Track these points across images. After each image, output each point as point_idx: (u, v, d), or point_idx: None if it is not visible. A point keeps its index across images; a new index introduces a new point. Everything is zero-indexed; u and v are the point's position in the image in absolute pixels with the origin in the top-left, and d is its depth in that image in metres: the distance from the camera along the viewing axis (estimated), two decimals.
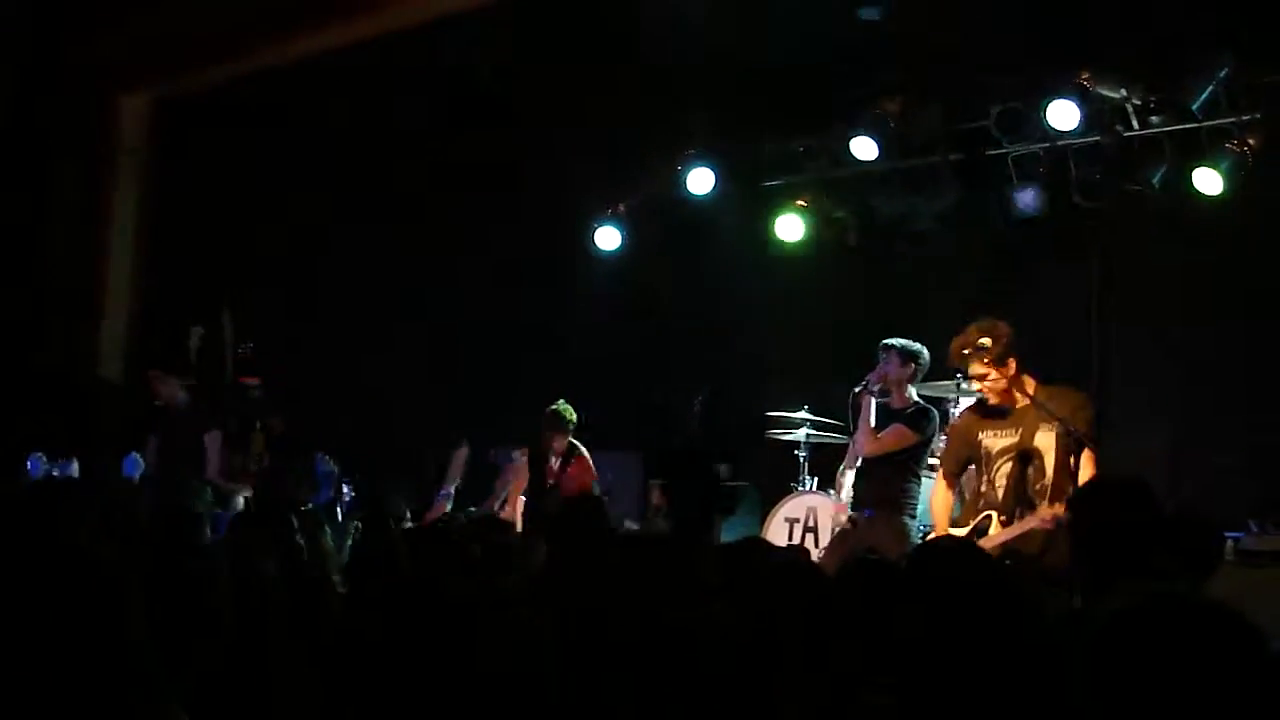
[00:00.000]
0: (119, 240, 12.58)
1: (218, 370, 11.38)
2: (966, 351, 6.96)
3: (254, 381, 11.36)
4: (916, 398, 8.37)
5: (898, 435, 8.16)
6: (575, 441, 10.32)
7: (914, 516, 8.20)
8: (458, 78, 11.19)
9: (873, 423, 8.24)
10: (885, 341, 8.39)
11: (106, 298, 12.48)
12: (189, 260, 12.04)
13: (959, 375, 9.00)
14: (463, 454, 10.99)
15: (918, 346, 8.36)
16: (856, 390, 8.34)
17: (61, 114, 12.36)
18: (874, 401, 8.25)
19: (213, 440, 10.17)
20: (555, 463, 10.30)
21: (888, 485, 8.19)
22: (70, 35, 11.84)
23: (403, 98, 11.64)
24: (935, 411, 8.38)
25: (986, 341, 6.92)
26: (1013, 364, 6.96)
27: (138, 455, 9.91)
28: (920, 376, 8.39)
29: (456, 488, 11.06)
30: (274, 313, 11.89)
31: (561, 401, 10.29)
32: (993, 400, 7.02)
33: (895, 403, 8.31)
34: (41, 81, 12.09)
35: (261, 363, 11.38)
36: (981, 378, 6.96)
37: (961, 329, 7.10)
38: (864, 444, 8.24)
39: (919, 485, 8.30)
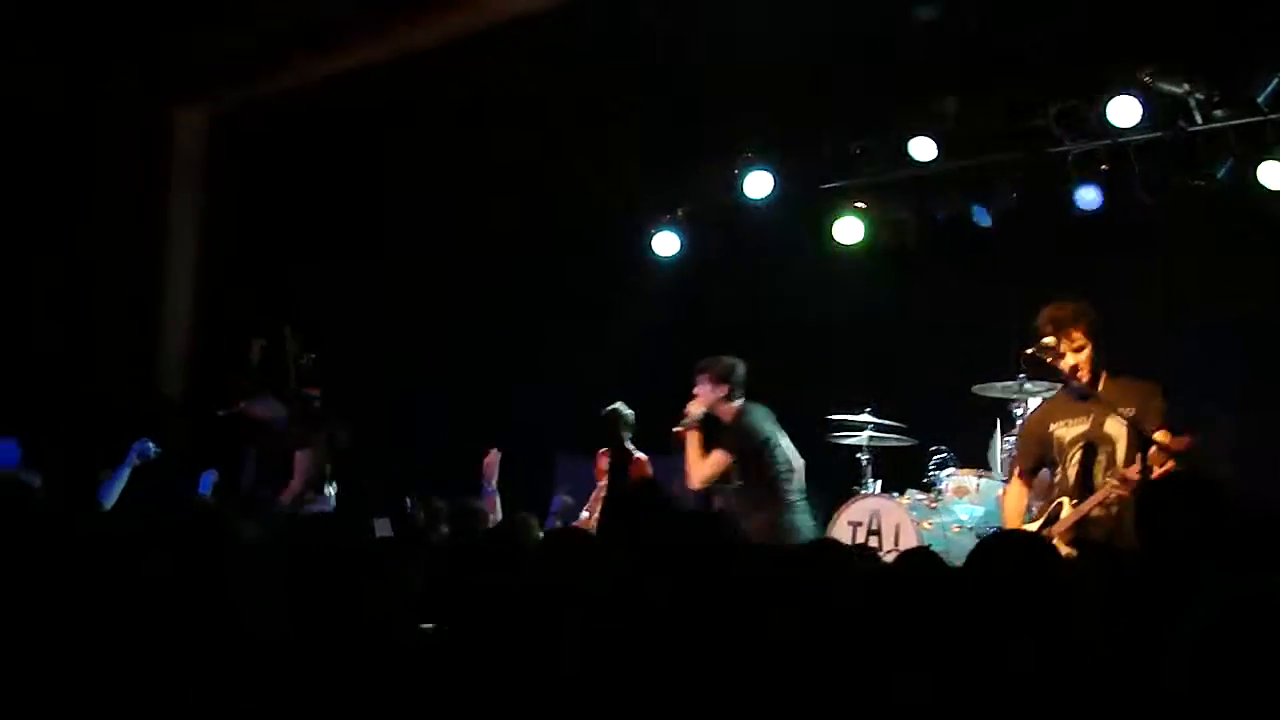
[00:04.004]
0: (178, 254, 12.66)
1: (280, 382, 11.42)
2: (1065, 316, 6.86)
3: (315, 392, 11.42)
4: (737, 406, 8.54)
5: (715, 461, 8.38)
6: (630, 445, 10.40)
7: (797, 512, 8.34)
8: (515, 87, 11.19)
9: (698, 453, 8.44)
10: (698, 364, 8.63)
11: (166, 312, 12.56)
12: (250, 273, 12.10)
13: (1021, 376, 8.94)
14: (493, 457, 10.95)
15: (728, 362, 8.56)
16: (675, 430, 8.59)
17: (119, 128, 12.44)
18: (695, 434, 8.43)
19: (303, 458, 10.23)
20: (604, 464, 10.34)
21: (748, 494, 8.35)
22: (126, 49, 11.92)
23: (457, 109, 11.66)
24: (759, 409, 8.53)
25: (1084, 309, 6.86)
26: (1097, 346, 6.89)
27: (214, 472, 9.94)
28: (739, 387, 8.54)
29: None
30: (336, 323, 11.93)
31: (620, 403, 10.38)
32: (1082, 375, 6.88)
33: (725, 417, 8.51)
34: (98, 96, 12.18)
35: (323, 373, 11.43)
36: (1079, 349, 6.85)
37: (1054, 302, 7.00)
38: (690, 479, 8.41)
39: (787, 476, 8.44)
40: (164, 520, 6.67)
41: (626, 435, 10.32)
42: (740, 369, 8.57)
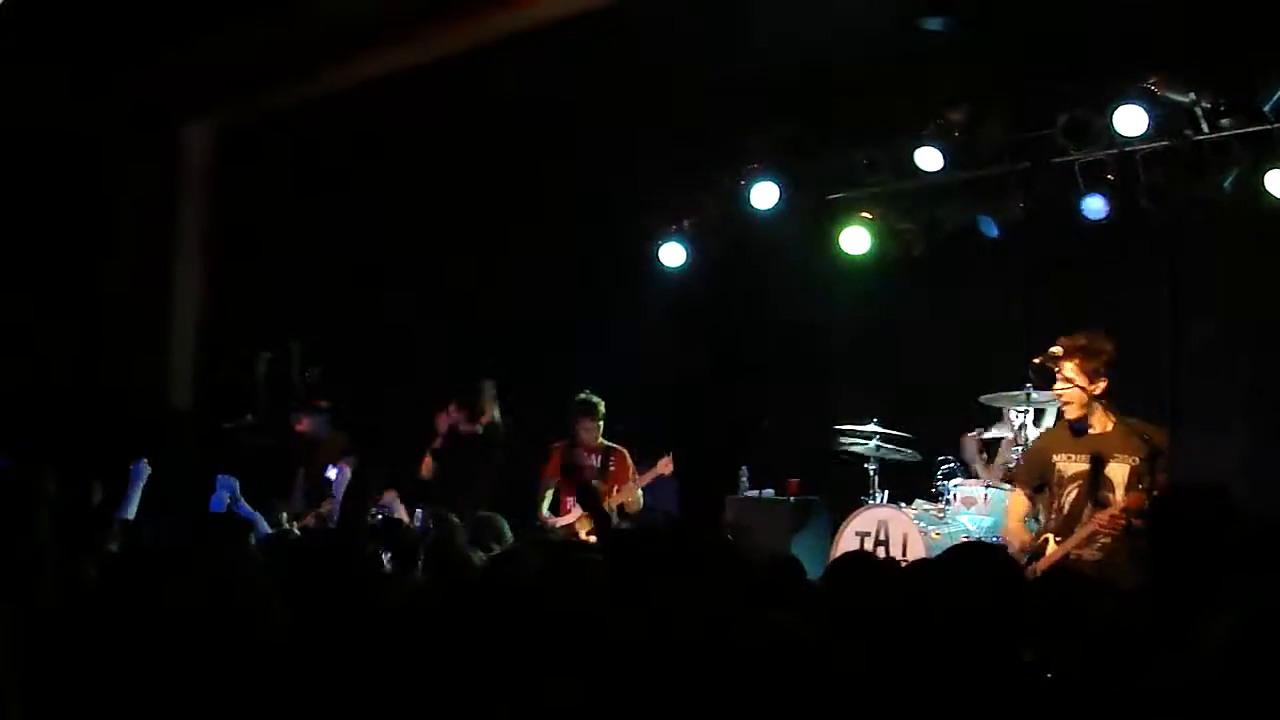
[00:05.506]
0: (185, 268, 12.67)
1: (285, 396, 11.43)
2: (1061, 352, 6.86)
3: (321, 405, 11.42)
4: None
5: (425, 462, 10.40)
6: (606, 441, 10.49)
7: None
8: (520, 99, 11.19)
9: None
10: None
11: (173, 326, 12.56)
12: (256, 286, 12.10)
13: (1028, 386, 8.95)
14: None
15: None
16: None
17: (126, 142, 12.45)
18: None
19: (340, 474, 10.25)
20: (594, 459, 10.33)
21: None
22: (133, 64, 11.93)
23: (464, 121, 11.66)
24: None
25: (1093, 346, 6.84)
26: (1101, 385, 6.86)
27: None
28: (470, 408, 10.39)
29: None
30: (341, 338, 11.94)
31: (588, 391, 10.53)
32: (1070, 414, 6.89)
33: None
34: (105, 110, 12.18)
35: (328, 387, 11.43)
36: (1069, 381, 6.83)
37: (1079, 333, 6.99)
38: None
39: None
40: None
41: (598, 423, 10.41)
42: (482, 390, 9.97)
